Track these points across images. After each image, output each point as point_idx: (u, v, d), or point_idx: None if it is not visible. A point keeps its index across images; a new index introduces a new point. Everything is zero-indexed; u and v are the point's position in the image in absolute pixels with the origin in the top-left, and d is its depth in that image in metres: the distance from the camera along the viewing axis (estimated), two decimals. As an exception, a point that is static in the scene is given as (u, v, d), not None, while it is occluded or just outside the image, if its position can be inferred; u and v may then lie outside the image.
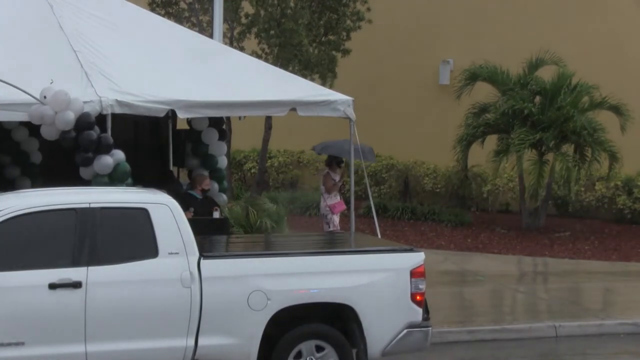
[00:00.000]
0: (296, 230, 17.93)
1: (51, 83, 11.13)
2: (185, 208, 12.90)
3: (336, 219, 16.21)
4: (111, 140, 11.38)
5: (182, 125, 15.45)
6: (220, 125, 15.24)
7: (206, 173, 14.63)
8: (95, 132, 11.28)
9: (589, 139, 20.62)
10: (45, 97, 11.05)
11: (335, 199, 16.25)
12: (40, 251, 8.66)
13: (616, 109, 20.95)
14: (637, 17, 23.70)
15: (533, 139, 20.32)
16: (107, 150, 11.32)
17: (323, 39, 22.12)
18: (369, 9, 22.32)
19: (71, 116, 11.09)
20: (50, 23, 12.72)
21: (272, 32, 20.87)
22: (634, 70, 23.13)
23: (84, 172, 11.40)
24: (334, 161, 16.50)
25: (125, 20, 13.67)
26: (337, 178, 16.41)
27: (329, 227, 16.05)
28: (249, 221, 13.85)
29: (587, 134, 20.59)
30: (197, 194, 13.73)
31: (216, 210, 13.86)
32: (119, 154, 11.44)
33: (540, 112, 20.85)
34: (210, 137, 14.97)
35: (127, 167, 11.46)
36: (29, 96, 11.06)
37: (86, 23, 12.99)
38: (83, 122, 11.18)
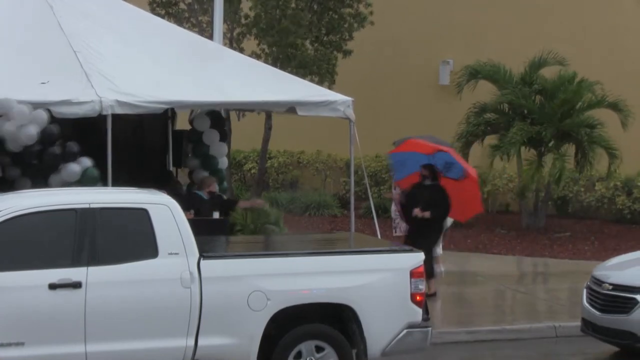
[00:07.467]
0: (296, 231, 17.93)
1: (44, 83, 11.14)
2: (190, 207, 12.95)
3: (404, 225, 15.99)
4: (76, 148, 11.39)
5: (183, 125, 15.45)
6: (222, 127, 15.25)
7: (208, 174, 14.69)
8: (58, 147, 11.24)
9: (585, 137, 20.66)
10: (1, 115, 11.02)
11: None
12: (40, 251, 8.67)
13: (615, 106, 20.97)
14: (636, 15, 23.72)
15: (527, 135, 20.37)
16: (72, 158, 11.31)
17: (325, 38, 22.12)
18: (371, 13, 22.31)
19: (33, 131, 11.07)
20: (50, 24, 12.73)
21: (270, 31, 20.87)
22: (633, 69, 23.14)
23: (53, 180, 11.40)
24: None
25: (125, 21, 13.69)
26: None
27: (395, 232, 15.85)
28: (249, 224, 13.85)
29: (584, 133, 20.64)
30: (205, 195, 13.74)
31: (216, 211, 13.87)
32: (85, 161, 11.45)
33: (540, 110, 20.89)
34: (212, 138, 14.97)
35: (95, 172, 11.44)
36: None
37: (86, 24, 13.00)
38: (47, 136, 11.16)
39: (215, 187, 14.09)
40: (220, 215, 13.64)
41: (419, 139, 14.60)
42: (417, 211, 13.15)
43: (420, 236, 13.33)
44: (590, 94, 21.07)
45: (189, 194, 13.80)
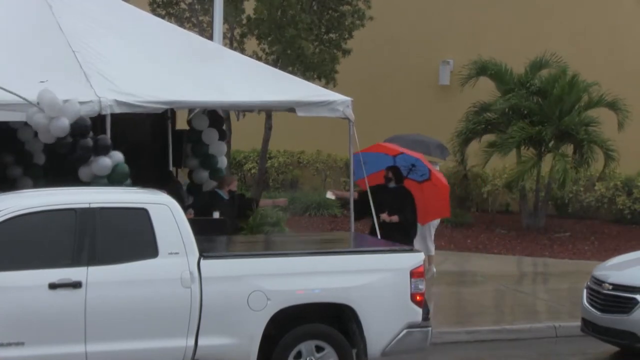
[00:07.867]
0: (297, 231, 17.92)
1: (41, 82, 11.11)
2: (209, 206, 12.94)
3: None
4: (109, 141, 11.34)
5: (182, 125, 15.46)
6: (221, 125, 15.26)
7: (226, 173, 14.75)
8: (91, 139, 11.23)
9: (585, 137, 20.66)
10: (38, 102, 11.00)
11: None
12: (40, 251, 8.68)
13: (613, 105, 20.98)
14: (636, 15, 23.73)
15: (526, 135, 20.39)
16: (104, 151, 11.29)
17: (325, 37, 22.11)
18: (369, 7, 22.30)
19: (65, 123, 11.04)
20: (49, 23, 12.71)
21: (272, 36, 20.85)
22: (633, 69, 23.15)
23: (82, 173, 11.39)
24: None
25: (124, 21, 13.67)
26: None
27: None
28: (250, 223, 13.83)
29: (583, 132, 20.65)
30: (224, 194, 13.72)
31: (216, 210, 13.86)
32: (117, 155, 11.40)
33: (539, 110, 20.90)
34: (211, 137, 14.98)
35: (126, 168, 11.41)
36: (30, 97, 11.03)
37: (85, 24, 12.99)
38: (79, 128, 11.15)
39: (235, 186, 14.10)
40: (239, 214, 13.62)
41: (389, 143, 14.38)
42: (384, 216, 12.94)
43: (396, 231, 12.99)
44: (587, 94, 21.08)
45: (211, 193, 13.81)
